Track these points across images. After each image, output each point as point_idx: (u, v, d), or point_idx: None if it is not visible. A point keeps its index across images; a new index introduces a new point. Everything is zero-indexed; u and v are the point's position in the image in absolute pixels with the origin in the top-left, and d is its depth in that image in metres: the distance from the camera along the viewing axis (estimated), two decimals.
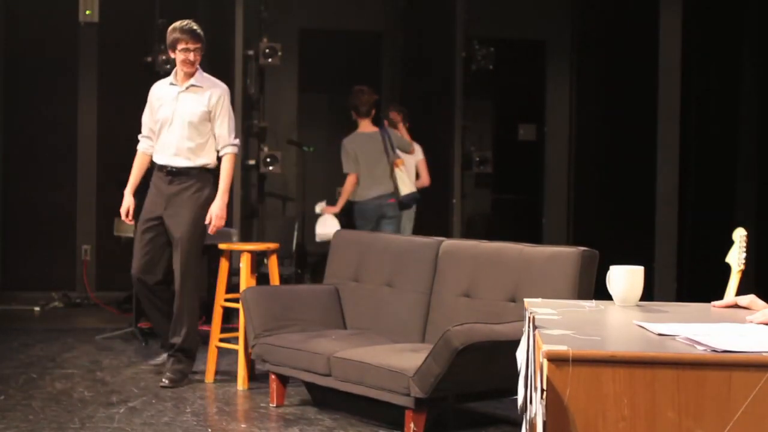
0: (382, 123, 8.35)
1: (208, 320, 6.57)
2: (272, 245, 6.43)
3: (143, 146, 6.26)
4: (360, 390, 4.99)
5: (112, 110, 9.45)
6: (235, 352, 6.25)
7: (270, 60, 8.85)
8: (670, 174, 8.34)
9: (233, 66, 8.53)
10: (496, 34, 9.87)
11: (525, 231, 9.58)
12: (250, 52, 8.85)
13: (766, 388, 2.21)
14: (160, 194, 6.11)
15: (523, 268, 5.06)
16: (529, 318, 2.70)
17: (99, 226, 9.52)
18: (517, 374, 2.76)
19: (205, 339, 6.48)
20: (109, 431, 5.00)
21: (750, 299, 3.03)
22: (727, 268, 3.52)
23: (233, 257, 6.75)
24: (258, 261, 6.67)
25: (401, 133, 8.45)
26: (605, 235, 8.98)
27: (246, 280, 6.10)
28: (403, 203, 8.20)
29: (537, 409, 2.35)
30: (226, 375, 6.32)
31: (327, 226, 7.94)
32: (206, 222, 6.09)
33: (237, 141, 6.26)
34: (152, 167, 6.27)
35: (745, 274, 3.48)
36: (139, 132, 6.30)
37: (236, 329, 6.34)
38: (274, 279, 6.33)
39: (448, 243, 5.56)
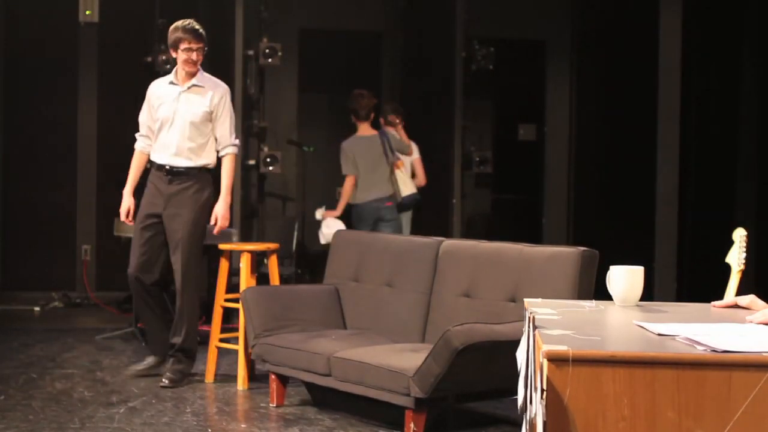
0: (380, 125, 8.37)
1: (208, 320, 6.57)
2: (272, 245, 6.43)
3: (141, 145, 6.23)
4: (360, 390, 4.99)
5: (112, 110, 9.45)
6: (235, 352, 6.25)
7: (270, 60, 8.85)
8: (670, 174, 8.34)
9: (233, 66, 8.53)
10: (496, 34, 9.87)
11: (525, 231, 9.58)
12: (250, 52, 8.85)
13: (766, 388, 2.21)
14: (159, 194, 6.08)
15: (523, 268, 5.06)
16: (529, 318, 2.70)
17: (99, 226, 9.53)
18: (517, 374, 2.76)
19: (205, 339, 6.48)
20: (109, 431, 5.00)
21: (750, 299, 3.03)
22: (727, 268, 3.52)
23: (233, 257, 6.75)
24: (258, 261, 6.67)
25: (399, 134, 8.47)
26: (605, 235, 8.98)
27: (246, 280, 6.10)
28: (404, 204, 8.24)
29: (537, 409, 2.35)
30: (226, 375, 6.32)
31: (332, 227, 7.96)
32: (212, 223, 6.10)
33: (237, 141, 6.27)
34: (148, 166, 6.24)
35: (745, 274, 3.48)
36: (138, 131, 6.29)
37: (236, 329, 6.34)
38: (274, 279, 6.33)
39: (448, 243, 5.56)
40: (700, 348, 2.31)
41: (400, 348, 5.14)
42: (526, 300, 3.18)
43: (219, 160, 6.20)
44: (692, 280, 8.69)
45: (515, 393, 2.82)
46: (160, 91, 6.15)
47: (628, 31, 9.43)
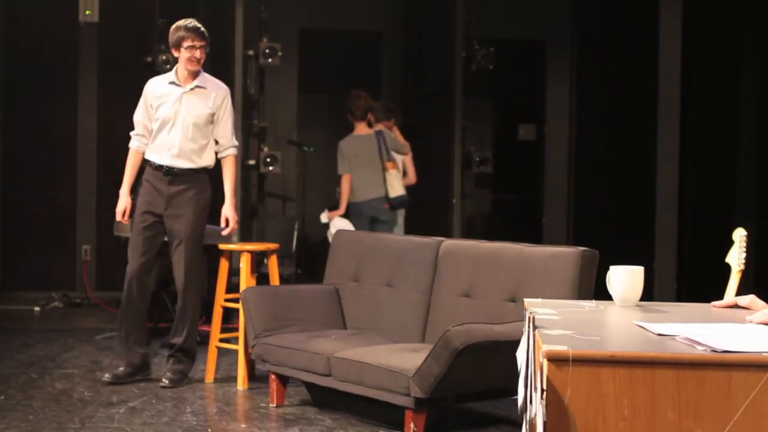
0: (371, 123, 8.45)
1: (208, 320, 6.57)
2: (272, 245, 6.43)
3: (136, 144, 6.13)
4: (360, 390, 4.99)
5: (112, 110, 9.45)
6: (235, 352, 6.25)
7: (270, 60, 8.85)
8: (670, 174, 8.34)
9: (233, 66, 8.53)
10: (496, 34, 9.87)
11: (525, 231, 9.58)
12: (250, 52, 8.85)
13: (766, 388, 2.21)
14: (159, 194, 6.04)
15: (523, 268, 5.06)
16: (529, 318, 2.70)
17: (99, 226, 9.53)
18: (517, 374, 2.76)
19: (205, 339, 6.48)
20: (109, 431, 5.00)
21: (750, 299, 3.03)
22: (727, 268, 3.52)
23: (233, 257, 6.75)
24: (258, 261, 6.66)
25: (396, 134, 8.54)
26: (605, 235, 8.98)
27: (246, 280, 6.10)
28: (392, 205, 8.31)
29: (537, 409, 2.35)
30: (226, 375, 6.32)
31: (340, 227, 8.02)
32: (222, 225, 6.10)
33: (237, 142, 6.27)
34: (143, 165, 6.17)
35: (745, 274, 3.48)
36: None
37: (236, 329, 6.34)
38: (274, 279, 6.33)
39: (448, 243, 5.56)
40: (700, 348, 2.31)
41: (400, 348, 5.14)
42: (526, 300, 3.18)
43: (217, 160, 6.18)
44: (692, 280, 8.69)
45: (515, 393, 2.82)
46: (159, 91, 6.08)
47: (628, 31, 9.44)
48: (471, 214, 10.12)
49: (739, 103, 9.10)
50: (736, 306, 3.05)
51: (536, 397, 2.36)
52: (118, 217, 6.10)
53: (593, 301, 3.18)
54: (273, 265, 6.35)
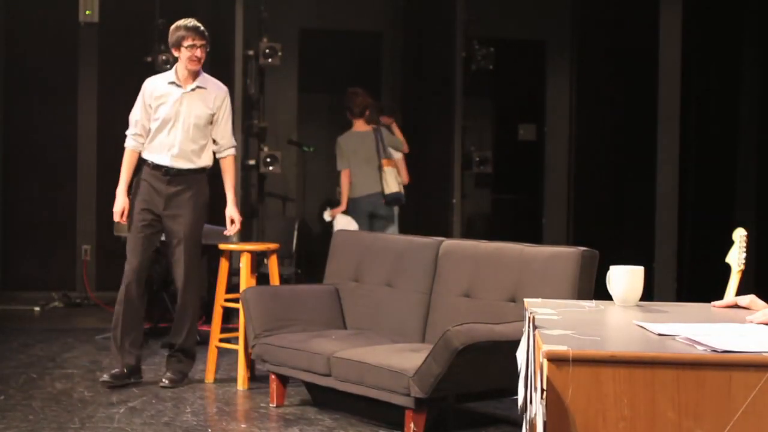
0: (377, 123, 8.51)
1: (208, 320, 6.57)
2: (272, 245, 6.43)
3: (133, 144, 6.05)
4: (360, 390, 4.99)
5: (112, 110, 9.45)
6: (235, 352, 6.25)
7: (270, 60, 8.86)
8: (670, 174, 8.34)
9: (233, 66, 8.53)
10: (496, 34, 9.87)
11: (525, 231, 9.58)
12: (250, 52, 8.85)
13: (766, 388, 2.21)
14: (157, 194, 6.01)
15: (523, 268, 5.06)
16: (529, 318, 2.70)
17: (99, 226, 9.53)
18: (517, 374, 2.76)
19: (205, 339, 6.48)
20: (109, 431, 5.00)
21: (750, 299, 3.03)
22: (727, 268, 3.52)
23: (233, 257, 6.75)
24: (258, 261, 6.67)
25: (395, 132, 8.60)
26: (605, 235, 8.99)
27: (246, 280, 6.10)
28: (386, 202, 8.38)
29: (537, 409, 2.35)
30: (226, 375, 6.32)
31: (343, 224, 8.07)
32: (228, 226, 6.10)
33: (235, 142, 6.27)
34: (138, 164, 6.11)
35: (745, 274, 3.48)
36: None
37: (236, 329, 6.34)
38: (274, 279, 6.33)
39: (448, 243, 5.56)
40: (700, 348, 2.31)
41: (400, 348, 5.14)
42: (526, 300, 3.18)
43: (215, 160, 6.17)
44: (692, 280, 8.69)
45: (515, 393, 2.82)
46: (159, 91, 6.04)
47: (628, 31, 9.43)
48: (471, 214, 10.12)
49: (739, 103, 9.10)
50: (736, 306, 3.05)
51: (536, 397, 2.36)
52: (116, 218, 6.02)
53: (593, 301, 3.18)
54: (273, 265, 6.35)
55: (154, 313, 7.69)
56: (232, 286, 6.49)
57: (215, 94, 6.09)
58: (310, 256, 9.18)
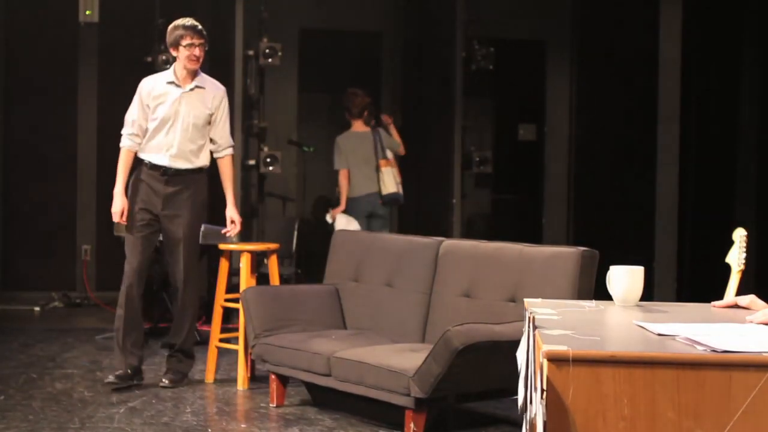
0: (376, 122, 8.57)
1: (208, 320, 6.56)
2: (272, 245, 6.43)
3: (129, 144, 6.00)
4: (360, 390, 4.99)
5: (112, 110, 9.43)
6: (235, 352, 6.25)
7: (270, 60, 8.86)
8: (670, 174, 8.34)
9: (233, 66, 8.53)
10: (496, 34, 9.86)
11: (525, 231, 9.58)
12: (250, 52, 8.85)
13: (766, 388, 2.21)
14: (155, 194, 5.99)
15: (523, 268, 5.06)
16: (529, 318, 2.70)
17: (99, 226, 9.52)
18: (517, 374, 2.76)
19: (205, 339, 6.47)
20: (109, 431, 5.00)
21: (750, 299, 3.03)
22: (727, 268, 3.52)
23: (233, 257, 6.75)
24: (258, 261, 6.67)
25: (393, 133, 8.65)
26: (605, 235, 8.98)
27: (246, 280, 6.10)
28: (383, 202, 8.44)
29: (537, 409, 2.35)
30: (226, 375, 6.32)
31: (344, 224, 8.10)
32: (229, 227, 6.09)
33: (233, 142, 6.26)
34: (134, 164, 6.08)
35: (745, 274, 3.48)
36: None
37: (236, 329, 6.34)
38: (274, 279, 6.33)
39: (448, 243, 5.56)
40: (700, 348, 2.31)
41: (400, 348, 5.14)
42: (526, 300, 3.18)
43: (212, 160, 6.17)
44: (692, 280, 8.69)
45: (515, 393, 2.82)
46: (157, 91, 6.01)
47: (628, 31, 9.43)
48: (471, 214, 10.12)
49: (739, 103, 9.10)
50: (736, 306, 3.05)
51: (536, 397, 2.36)
52: (116, 218, 5.97)
53: (593, 301, 3.18)
54: (273, 265, 6.35)
55: (154, 313, 7.69)
56: (232, 286, 6.49)
57: (213, 94, 6.08)
58: (310, 256, 9.18)
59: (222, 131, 6.12)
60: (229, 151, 6.17)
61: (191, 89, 6.03)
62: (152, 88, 6.03)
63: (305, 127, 10.20)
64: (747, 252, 3.50)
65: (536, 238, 9.82)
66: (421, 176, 10.05)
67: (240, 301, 5.81)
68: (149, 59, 8.69)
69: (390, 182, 8.46)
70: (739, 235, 3.51)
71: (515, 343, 2.93)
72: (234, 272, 6.52)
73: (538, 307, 2.94)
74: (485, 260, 5.25)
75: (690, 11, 8.48)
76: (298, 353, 5.31)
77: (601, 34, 10.04)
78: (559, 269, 4.89)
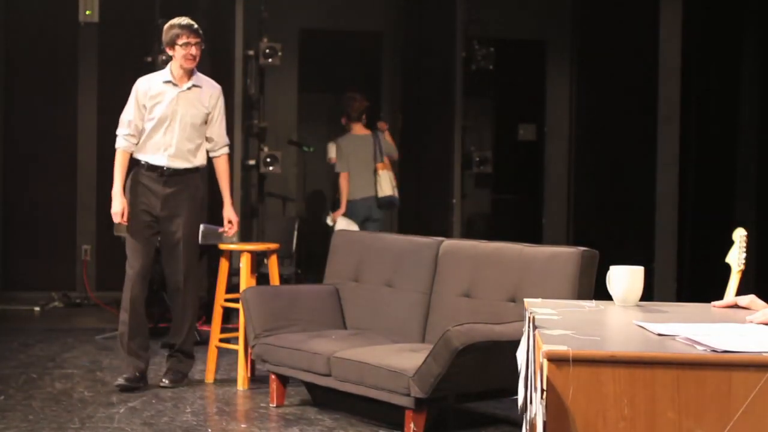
0: (374, 126, 8.63)
1: (208, 320, 6.56)
2: (272, 245, 6.43)
3: (125, 144, 5.96)
4: (360, 390, 4.99)
5: (112, 110, 9.42)
6: (235, 352, 6.25)
7: (270, 60, 8.86)
8: (670, 174, 8.34)
9: (233, 66, 8.53)
10: (496, 34, 9.87)
11: (525, 231, 9.58)
12: (250, 52, 8.85)
13: (766, 388, 2.21)
14: (153, 195, 5.97)
15: (523, 268, 5.06)
16: (529, 318, 2.70)
17: (99, 226, 9.52)
18: (517, 374, 2.76)
19: (205, 339, 6.47)
20: (109, 431, 5.00)
21: (750, 299, 3.03)
22: (727, 268, 3.52)
23: (233, 257, 6.75)
24: (258, 261, 6.67)
25: (387, 138, 8.71)
26: (605, 235, 8.98)
27: (246, 280, 6.10)
28: (379, 205, 8.50)
29: (537, 410, 2.35)
30: (226, 375, 6.32)
31: (344, 226, 8.12)
32: (226, 227, 6.09)
33: (228, 140, 6.25)
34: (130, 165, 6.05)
35: (745, 274, 3.48)
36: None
37: (236, 329, 6.34)
38: (274, 279, 6.33)
39: (448, 243, 5.56)
40: (700, 348, 2.31)
41: (400, 348, 5.14)
42: (526, 300, 3.18)
43: (208, 160, 6.16)
44: (692, 280, 8.69)
45: (515, 393, 2.82)
46: (153, 90, 5.98)
47: (628, 31, 9.43)
48: (471, 214, 10.12)
49: (739, 103, 9.09)
50: (736, 306, 3.05)
51: (536, 397, 2.36)
52: (116, 219, 5.92)
53: (593, 301, 3.18)
54: (273, 265, 6.35)
55: (154, 313, 7.69)
56: (232, 286, 6.49)
57: (210, 93, 6.08)
58: (310, 256, 9.19)
59: (218, 130, 6.12)
60: (225, 150, 6.17)
61: (188, 88, 6.02)
62: (148, 87, 6.01)
63: (305, 127, 10.20)
64: (747, 252, 3.49)
65: (536, 238, 9.82)
66: (421, 176, 10.05)
67: (240, 301, 5.81)
68: (149, 59, 8.69)
69: (387, 185, 8.50)
70: (739, 235, 3.51)
71: (515, 343, 2.93)
72: (234, 272, 6.51)
73: (538, 307, 2.94)
74: (485, 260, 5.25)
75: (690, 11, 8.48)
76: (298, 353, 5.31)
77: (601, 34, 10.04)
78: (559, 269, 4.89)
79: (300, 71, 10.15)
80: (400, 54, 10.53)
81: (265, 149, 8.95)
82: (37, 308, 9.05)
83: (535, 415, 2.38)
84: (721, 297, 3.24)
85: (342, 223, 8.18)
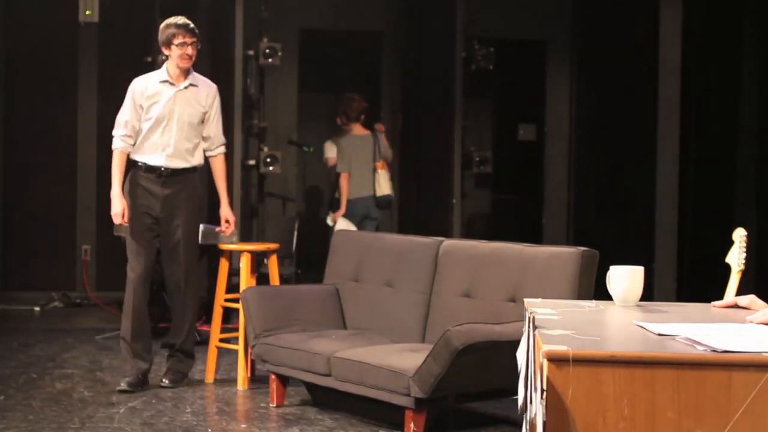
0: (372, 127, 8.65)
1: (208, 320, 6.56)
2: (272, 245, 6.43)
3: (122, 145, 5.93)
4: (360, 390, 4.99)
5: (112, 110, 9.42)
6: (235, 352, 6.25)
7: (270, 60, 8.86)
8: (670, 174, 8.34)
9: (233, 66, 8.53)
10: (496, 34, 9.87)
11: (525, 231, 9.58)
12: (250, 52, 8.85)
13: (766, 388, 2.21)
14: (152, 196, 5.95)
15: (523, 268, 5.06)
16: (529, 318, 2.70)
17: (99, 226, 9.52)
18: (517, 374, 2.76)
19: (205, 339, 6.47)
20: (109, 431, 5.00)
21: (750, 299, 3.03)
22: (727, 268, 3.52)
23: (233, 257, 6.75)
24: (258, 261, 6.67)
25: (384, 141, 8.73)
26: (605, 235, 8.98)
27: (246, 280, 6.10)
28: (377, 204, 8.57)
29: (537, 410, 2.35)
30: (226, 375, 6.32)
31: (343, 226, 8.14)
32: (223, 226, 6.09)
33: (225, 140, 6.25)
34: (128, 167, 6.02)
35: (745, 274, 3.48)
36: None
37: (236, 329, 6.34)
38: (274, 279, 6.33)
39: (448, 243, 5.56)
40: (700, 348, 2.31)
41: (400, 348, 5.14)
42: (526, 300, 3.18)
43: (205, 159, 6.16)
44: (692, 280, 8.69)
45: (515, 393, 2.82)
46: (150, 90, 5.96)
47: (628, 31, 9.43)
48: (471, 214, 10.12)
49: (739, 103, 9.09)
50: (736, 306, 3.05)
51: (536, 397, 2.36)
52: (117, 220, 5.89)
53: (593, 301, 3.18)
54: (273, 265, 6.35)
55: (154, 313, 7.68)
56: (232, 286, 6.49)
57: (207, 92, 6.08)
58: (310, 256, 9.19)
59: (215, 129, 6.11)
60: (222, 149, 6.17)
61: (185, 87, 6.02)
62: (145, 87, 5.99)
63: (305, 127, 10.20)
64: (747, 252, 3.49)
65: (536, 238, 9.82)
66: (421, 176, 10.05)
67: (240, 301, 5.81)
68: (149, 59, 8.68)
69: (385, 184, 8.55)
70: (739, 235, 3.51)
71: (515, 343, 2.93)
72: (234, 272, 6.51)
73: (538, 307, 2.94)
74: (485, 260, 5.25)
75: (690, 11, 8.47)
76: (298, 353, 5.31)
77: (601, 34, 10.04)
78: (559, 269, 4.89)
79: (300, 71, 10.15)
80: (400, 54, 10.53)
81: (265, 149, 8.95)
82: (37, 308, 9.05)
83: (535, 415, 2.38)
84: (721, 297, 3.24)
85: (342, 224, 8.20)
